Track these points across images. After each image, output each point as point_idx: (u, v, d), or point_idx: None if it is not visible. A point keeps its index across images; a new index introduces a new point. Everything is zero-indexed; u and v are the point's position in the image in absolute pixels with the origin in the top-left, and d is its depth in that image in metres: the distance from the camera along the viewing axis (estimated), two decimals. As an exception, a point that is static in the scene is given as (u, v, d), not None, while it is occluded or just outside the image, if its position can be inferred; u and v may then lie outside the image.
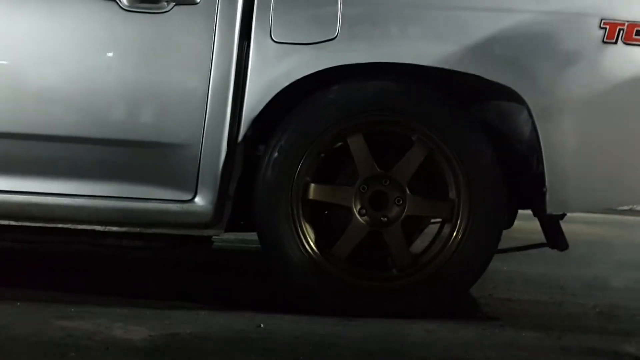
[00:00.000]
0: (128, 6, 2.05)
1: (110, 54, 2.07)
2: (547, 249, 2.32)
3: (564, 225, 2.26)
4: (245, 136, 2.08)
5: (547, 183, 2.08)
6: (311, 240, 2.09)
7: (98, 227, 2.11)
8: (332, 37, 2.06)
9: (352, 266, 2.11)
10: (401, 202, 2.11)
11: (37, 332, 1.79)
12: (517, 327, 2.11)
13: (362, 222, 2.11)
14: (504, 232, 2.20)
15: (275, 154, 2.07)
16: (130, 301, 2.14)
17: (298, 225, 2.08)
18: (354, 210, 2.10)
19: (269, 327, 1.95)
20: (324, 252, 2.10)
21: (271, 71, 2.06)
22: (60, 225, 2.10)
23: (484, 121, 2.16)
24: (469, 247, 2.11)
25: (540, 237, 2.29)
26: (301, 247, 2.08)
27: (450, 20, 2.10)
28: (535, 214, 2.22)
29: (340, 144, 2.11)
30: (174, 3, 2.05)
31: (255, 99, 2.06)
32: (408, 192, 2.11)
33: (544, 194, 2.09)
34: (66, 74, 2.06)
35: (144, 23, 2.06)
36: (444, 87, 2.12)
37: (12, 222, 2.09)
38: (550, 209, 2.11)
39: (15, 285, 2.26)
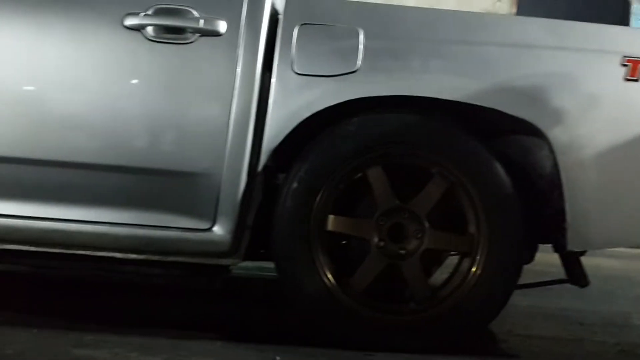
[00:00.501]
0: (154, 37, 2.08)
1: (134, 83, 2.10)
2: (567, 284, 2.29)
3: (584, 258, 2.23)
4: (265, 166, 2.09)
5: (567, 219, 2.06)
6: (328, 272, 2.08)
7: (117, 254, 2.12)
8: (354, 69, 2.08)
9: (369, 298, 2.10)
10: (420, 235, 2.10)
11: (53, 360, 1.80)
12: (536, 365, 2.09)
13: (380, 254, 2.10)
14: (525, 266, 2.17)
15: (295, 184, 2.08)
16: (147, 330, 2.14)
17: (315, 256, 2.07)
18: (372, 242, 2.10)
19: None
20: (341, 283, 2.09)
21: (292, 102, 2.08)
22: (80, 252, 2.12)
23: (504, 156, 2.15)
24: (489, 282, 2.09)
25: (561, 271, 2.26)
26: (318, 278, 2.07)
27: (472, 55, 2.10)
28: (555, 250, 2.20)
29: (359, 175, 2.11)
30: (199, 34, 2.08)
31: (276, 129, 2.07)
32: (427, 225, 2.10)
33: (564, 230, 2.07)
34: (90, 102, 2.09)
35: (168, 53, 2.08)
36: (464, 121, 2.13)
37: (33, 248, 2.11)
38: (571, 246, 2.09)
39: (33, 311, 2.28)
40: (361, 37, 2.08)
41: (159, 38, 2.08)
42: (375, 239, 2.10)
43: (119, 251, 2.11)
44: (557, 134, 2.07)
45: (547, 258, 2.48)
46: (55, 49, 2.09)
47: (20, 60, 2.09)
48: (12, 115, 2.08)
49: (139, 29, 2.08)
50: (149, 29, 2.08)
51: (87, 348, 1.91)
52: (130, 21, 2.08)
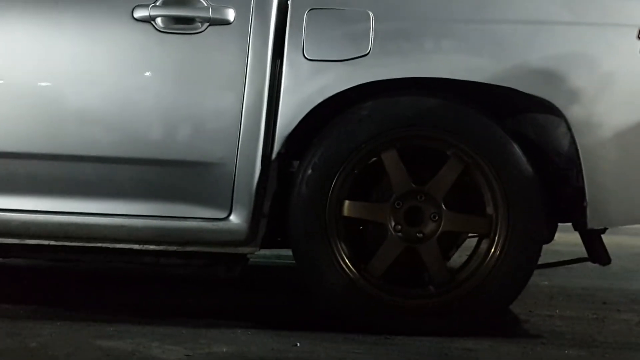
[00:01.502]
0: (163, 28, 2.08)
1: (146, 75, 2.10)
2: (589, 263, 2.27)
3: (605, 237, 2.20)
4: (279, 153, 2.09)
5: (587, 197, 2.04)
6: (346, 257, 2.08)
7: (136, 246, 2.13)
8: (365, 53, 2.06)
9: (387, 283, 2.09)
10: (437, 217, 2.09)
11: (75, 352, 1.82)
12: (559, 344, 2.07)
13: (397, 238, 2.09)
14: (545, 246, 2.15)
15: (309, 171, 2.07)
16: (168, 319, 2.15)
17: (332, 242, 2.07)
18: (389, 226, 2.09)
19: (306, 347, 1.94)
20: (359, 269, 2.09)
21: (304, 88, 2.07)
22: (99, 245, 2.13)
23: (520, 135, 2.12)
24: (508, 263, 2.07)
25: (582, 250, 2.24)
26: (336, 264, 2.07)
27: (485, 34, 2.08)
28: (576, 228, 2.17)
29: (374, 159, 2.10)
30: (208, 23, 2.07)
31: (288, 116, 2.07)
32: (444, 207, 2.09)
33: (584, 208, 2.05)
34: (104, 95, 2.10)
35: (179, 44, 2.08)
36: (479, 100, 2.10)
37: (52, 242, 2.13)
38: (591, 224, 2.07)
39: (55, 304, 2.30)
40: (371, 19, 2.06)
41: (169, 29, 2.08)
42: (392, 223, 2.09)
43: (137, 243, 2.12)
44: (574, 112, 2.03)
45: (569, 238, 2.46)
46: (68, 44, 2.10)
47: (33, 56, 2.10)
48: (27, 111, 2.09)
49: (149, 20, 2.07)
50: (159, 20, 2.08)
51: (109, 339, 1.93)
52: (139, 13, 2.08)
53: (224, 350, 1.88)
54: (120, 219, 2.09)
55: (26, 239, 2.12)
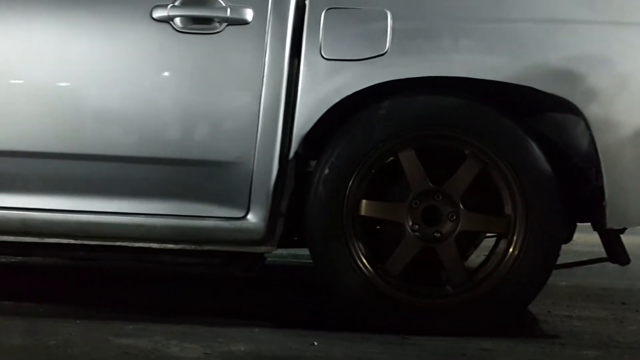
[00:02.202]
0: (182, 28, 2.09)
1: (165, 75, 2.12)
2: (608, 263, 2.25)
3: (624, 236, 2.19)
4: (296, 153, 2.09)
5: (606, 197, 2.02)
6: (363, 257, 2.08)
7: (154, 245, 2.14)
8: (383, 52, 2.06)
9: (405, 283, 2.09)
10: (454, 217, 2.08)
11: (95, 350, 1.83)
12: (577, 345, 2.05)
13: (415, 237, 2.08)
14: (563, 246, 2.14)
15: (326, 171, 2.07)
16: (186, 318, 2.16)
17: (350, 241, 2.07)
18: (406, 226, 2.08)
19: (323, 345, 1.94)
20: (376, 268, 2.08)
21: (321, 88, 2.07)
22: (118, 243, 2.15)
23: (539, 134, 2.11)
24: (527, 263, 2.06)
25: (601, 250, 2.22)
26: (353, 264, 2.07)
27: (503, 33, 2.07)
28: (595, 228, 2.16)
29: (391, 159, 2.10)
30: (226, 23, 2.08)
31: (305, 116, 2.07)
32: (461, 207, 2.08)
33: (603, 207, 2.03)
34: (123, 95, 2.11)
35: (197, 44, 2.09)
36: (497, 100, 2.09)
37: (72, 241, 2.15)
38: (611, 223, 2.05)
39: (74, 302, 2.32)
40: (389, 18, 2.06)
41: (187, 29, 2.09)
42: (409, 223, 2.08)
43: (156, 241, 2.14)
44: (593, 110, 2.02)
45: (588, 238, 2.44)
46: (87, 44, 2.12)
47: (52, 56, 2.12)
48: (47, 111, 2.11)
49: (168, 20, 2.09)
50: (177, 20, 2.09)
51: (128, 337, 1.95)
52: (158, 13, 2.09)
53: (242, 348, 1.89)
54: (139, 218, 2.11)
55: (46, 237, 2.14)
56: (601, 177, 2.03)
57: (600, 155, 2.02)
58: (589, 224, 2.17)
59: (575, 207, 2.13)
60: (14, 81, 2.11)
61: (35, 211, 2.11)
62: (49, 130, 2.11)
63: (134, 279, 2.80)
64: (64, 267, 2.91)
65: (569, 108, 2.06)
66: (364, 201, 2.09)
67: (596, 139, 2.02)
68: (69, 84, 2.12)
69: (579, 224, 2.27)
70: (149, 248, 2.15)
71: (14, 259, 3.01)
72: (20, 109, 2.11)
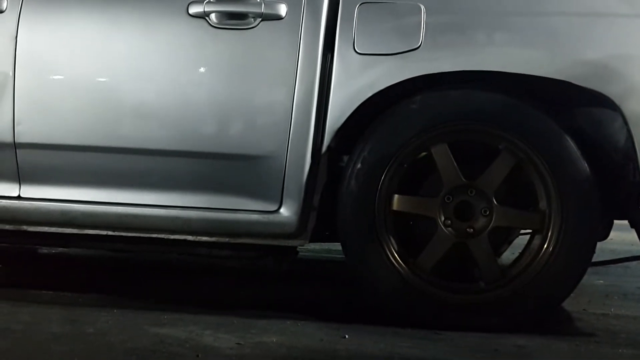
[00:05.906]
0: (217, 23, 2.12)
1: (201, 70, 2.15)
2: (646, 262, 2.21)
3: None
4: (329, 147, 2.10)
5: (644, 193, 1.98)
6: (395, 252, 2.08)
7: (189, 237, 2.18)
8: (416, 46, 2.05)
9: (437, 278, 2.08)
10: (488, 212, 2.06)
11: (131, 339, 1.87)
12: (613, 343, 2.02)
13: (447, 233, 2.08)
14: (600, 244, 2.11)
15: (359, 165, 2.08)
16: (219, 309, 2.19)
17: (381, 236, 2.07)
18: (439, 221, 2.08)
19: (354, 339, 1.95)
20: (408, 263, 2.08)
21: (354, 82, 2.07)
22: (154, 235, 2.19)
23: (575, 129, 2.08)
24: (561, 260, 2.03)
25: (639, 248, 2.18)
26: (385, 259, 2.07)
27: (539, 26, 2.04)
28: (632, 225, 2.12)
29: (424, 154, 2.09)
30: (260, 19, 2.10)
31: (338, 110, 2.08)
32: (495, 202, 2.06)
33: (641, 204, 1.99)
34: (160, 90, 2.15)
35: (232, 39, 2.12)
36: (533, 94, 2.07)
37: (110, 232, 2.20)
38: (648, 221, 2.01)
39: (111, 292, 2.38)
40: (423, 13, 2.05)
41: (223, 24, 2.12)
42: (442, 218, 2.08)
43: (191, 234, 2.17)
44: (630, 105, 1.98)
45: (626, 237, 2.40)
46: (125, 40, 2.16)
47: (92, 52, 2.16)
48: (86, 106, 2.16)
49: (203, 16, 2.12)
50: (213, 16, 2.12)
51: (164, 327, 1.98)
52: (194, 9, 2.12)
53: (274, 340, 1.91)
54: (176, 211, 2.14)
55: (85, 229, 2.20)
56: (638, 173, 1.99)
57: (637, 151, 1.98)
58: (626, 221, 2.13)
59: (612, 204, 2.09)
60: (56, 77, 2.17)
61: (75, 203, 2.17)
62: (89, 124, 2.16)
63: (169, 270, 2.85)
64: (102, 258, 2.97)
65: (607, 103, 2.02)
66: (396, 196, 2.09)
67: (634, 135, 1.98)
68: (108, 79, 2.17)
69: (616, 221, 2.23)
70: (184, 240, 2.18)
71: (54, 250, 3.09)
72: (61, 104, 2.16)
